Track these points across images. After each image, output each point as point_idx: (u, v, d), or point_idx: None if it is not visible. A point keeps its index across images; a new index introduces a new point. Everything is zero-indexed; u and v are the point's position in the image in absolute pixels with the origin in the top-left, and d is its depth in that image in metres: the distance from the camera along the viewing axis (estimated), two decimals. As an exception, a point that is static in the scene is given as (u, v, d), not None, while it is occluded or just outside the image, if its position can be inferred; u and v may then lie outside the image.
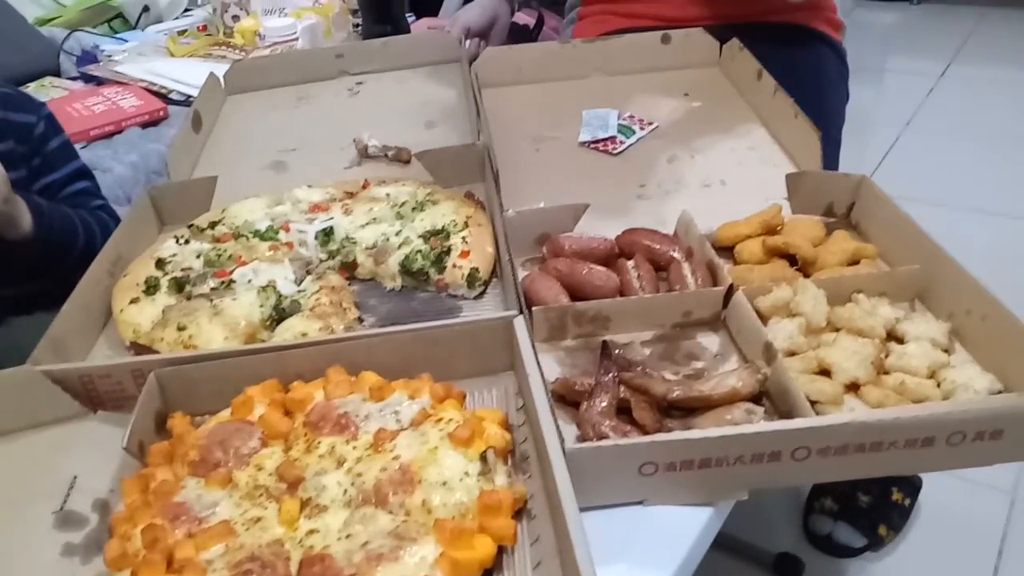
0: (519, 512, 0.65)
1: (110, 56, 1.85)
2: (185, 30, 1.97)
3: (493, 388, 0.78)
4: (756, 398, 0.73)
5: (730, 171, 1.08)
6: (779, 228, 0.93)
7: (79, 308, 0.86)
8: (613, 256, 0.92)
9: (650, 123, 1.19)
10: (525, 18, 1.91)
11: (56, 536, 0.65)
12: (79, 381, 0.76)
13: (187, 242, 0.98)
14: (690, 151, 1.13)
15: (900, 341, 0.78)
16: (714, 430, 0.65)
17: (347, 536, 0.61)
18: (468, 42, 1.55)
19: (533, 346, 0.74)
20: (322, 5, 2.00)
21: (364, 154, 1.22)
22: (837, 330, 0.80)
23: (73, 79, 1.83)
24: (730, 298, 0.83)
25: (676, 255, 0.90)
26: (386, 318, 0.89)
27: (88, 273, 0.90)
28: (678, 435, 0.65)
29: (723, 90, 1.26)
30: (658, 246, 0.91)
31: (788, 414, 0.71)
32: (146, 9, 2.11)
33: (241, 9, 1.92)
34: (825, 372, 0.76)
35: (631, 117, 1.20)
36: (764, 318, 0.81)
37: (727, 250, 0.94)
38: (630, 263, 0.89)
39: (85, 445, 0.74)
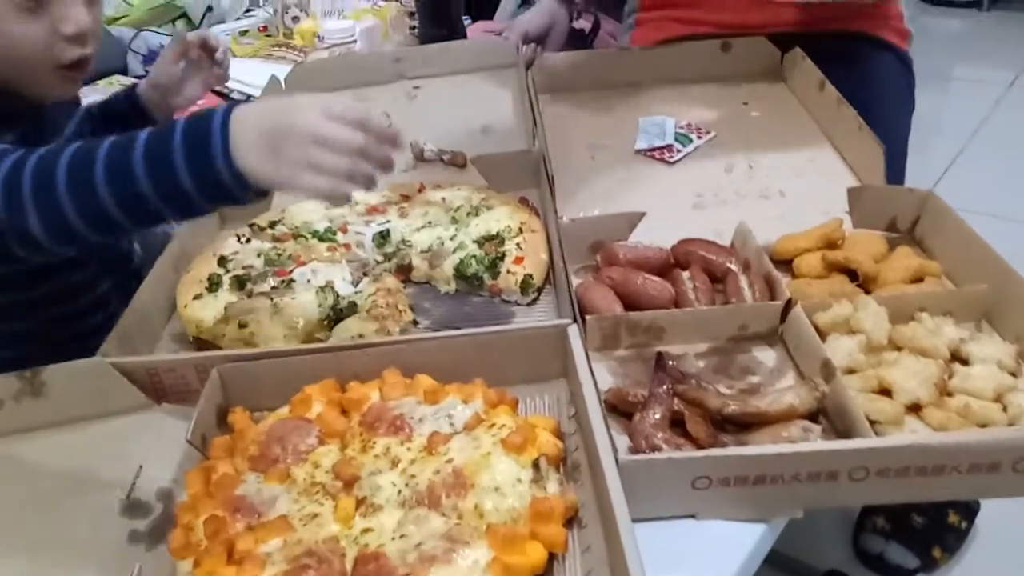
0: (570, 521, 0.65)
1: (175, 56, 1.91)
2: (247, 31, 2.01)
3: (545, 395, 0.79)
4: (813, 416, 0.72)
5: (789, 183, 1.07)
6: (839, 242, 0.92)
7: (146, 303, 0.89)
8: (668, 266, 0.92)
9: (708, 132, 1.18)
10: (581, 23, 1.91)
11: (123, 523, 0.67)
12: (146, 374, 0.79)
13: (248, 241, 1.01)
14: (748, 161, 1.12)
15: (965, 362, 0.76)
16: (770, 447, 0.65)
17: (401, 536, 0.62)
18: (525, 47, 1.55)
19: (587, 355, 0.74)
20: (380, 7, 2.02)
21: (420, 158, 1.23)
22: (899, 349, 0.78)
23: (139, 78, 1.89)
24: (788, 313, 0.83)
25: (733, 267, 0.89)
26: (440, 321, 0.90)
27: (154, 268, 0.93)
28: (733, 450, 0.65)
29: (783, 100, 1.25)
30: (714, 257, 0.91)
31: (846, 433, 0.70)
32: (209, 9, 2.16)
33: (301, 11, 1.95)
34: (885, 392, 0.75)
35: (689, 125, 1.19)
36: (823, 334, 0.80)
37: (785, 263, 0.92)
38: (685, 274, 0.89)
39: (150, 435, 0.76)
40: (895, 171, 1.12)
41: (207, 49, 1.07)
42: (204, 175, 0.66)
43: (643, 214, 0.96)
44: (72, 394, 0.78)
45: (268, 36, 1.95)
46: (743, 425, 0.72)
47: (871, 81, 1.29)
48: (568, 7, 1.58)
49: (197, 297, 0.92)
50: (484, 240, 0.96)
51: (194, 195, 0.67)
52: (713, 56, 1.30)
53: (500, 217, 0.99)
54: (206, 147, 0.65)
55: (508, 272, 0.91)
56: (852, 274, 0.89)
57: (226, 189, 0.66)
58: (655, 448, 0.69)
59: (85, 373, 0.77)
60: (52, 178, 0.68)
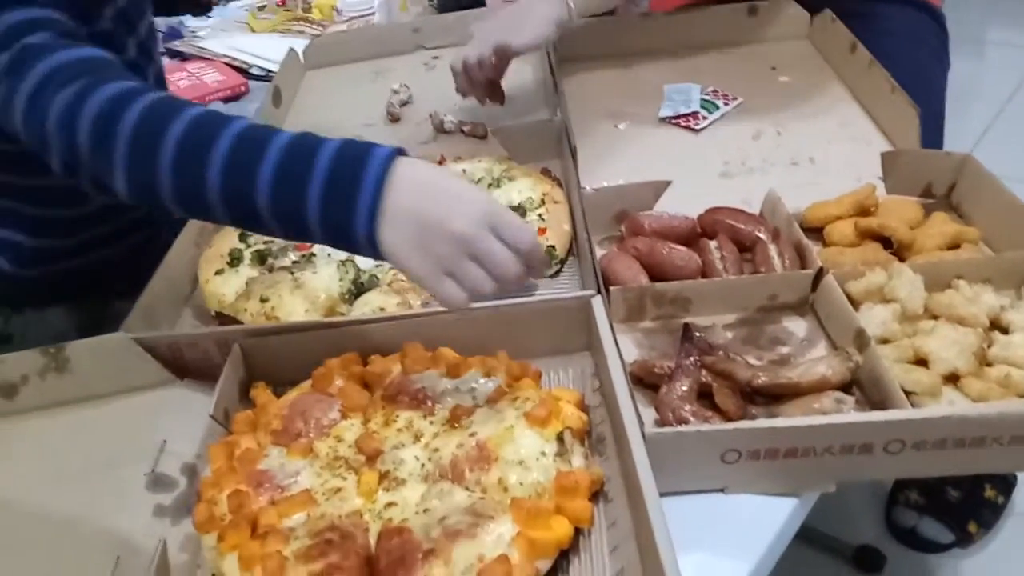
0: (595, 495, 0.64)
1: (194, 32, 1.90)
2: (264, 5, 1.99)
3: (569, 368, 0.77)
4: (846, 387, 0.70)
5: (819, 149, 1.04)
6: (873, 209, 0.89)
7: (168, 278, 0.89)
8: (695, 236, 0.89)
9: (734, 98, 1.15)
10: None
11: (148, 497, 0.67)
12: (168, 349, 0.78)
13: (269, 215, 1.00)
14: (777, 127, 1.09)
15: (1005, 331, 0.73)
16: (802, 419, 0.63)
17: (425, 510, 0.61)
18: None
19: (611, 327, 0.73)
20: (400, -21, 1.99)
21: (440, 129, 1.22)
22: (935, 318, 0.76)
23: (160, 55, 1.88)
24: (819, 282, 0.80)
25: (762, 236, 0.87)
26: (463, 294, 0.89)
27: (176, 243, 0.92)
28: (763, 423, 0.63)
29: (813, 64, 1.21)
30: (743, 226, 0.88)
31: (881, 404, 0.68)
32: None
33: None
34: (922, 362, 0.72)
35: (715, 92, 1.16)
36: (856, 304, 0.78)
37: (816, 231, 0.90)
38: (712, 243, 0.87)
39: (173, 411, 0.76)
40: (931, 134, 1.08)
41: None
42: (336, 224, 0.59)
43: (668, 183, 0.93)
44: (95, 369, 0.78)
45: (287, 11, 1.93)
46: (773, 397, 0.71)
47: (903, 41, 1.25)
48: None
49: (219, 272, 0.91)
50: (506, 211, 0.94)
51: (314, 232, 0.60)
52: (739, 20, 1.27)
53: (522, 188, 0.97)
54: (350, 200, 0.58)
55: (531, 244, 0.89)
56: (886, 242, 0.86)
57: (352, 245, 0.60)
58: (682, 421, 0.67)
59: (108, 349, 0.77)
60: (157, 147, 0.60)
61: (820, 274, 0.80)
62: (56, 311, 0.78)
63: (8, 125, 0.67)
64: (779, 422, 0.62)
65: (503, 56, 1.04)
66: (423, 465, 0.65)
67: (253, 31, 1.86)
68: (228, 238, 0.97)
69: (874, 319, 0.76)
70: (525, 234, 0.60)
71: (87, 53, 0.66)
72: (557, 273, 0.89)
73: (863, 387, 0.71)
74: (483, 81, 1.07)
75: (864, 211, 0.89)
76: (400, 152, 0.61)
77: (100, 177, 0.63)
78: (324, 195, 0.59)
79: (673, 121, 1.12)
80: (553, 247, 0.88)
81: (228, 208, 0.62)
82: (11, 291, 0.90)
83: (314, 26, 1.82)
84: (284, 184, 0.59)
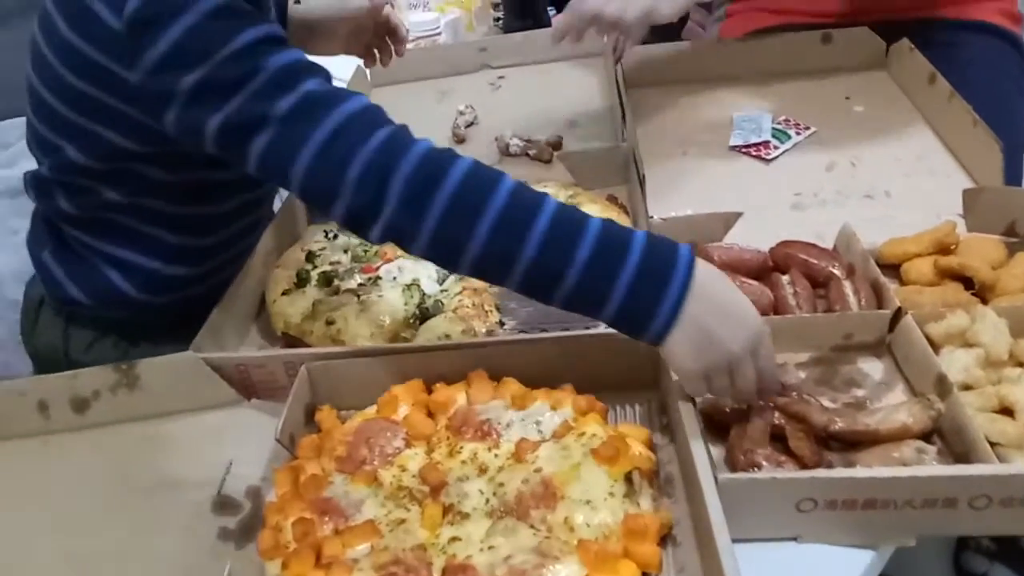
0: (663, 538, 0.63)
1: (264, 49, 1.95)
2: (333, 24, 2.04)
3: (636, 403, 0.76)
4: (926, 436, 0.68)
5: (896, 182, 1.01)
6: (953, 248, 0.86)
7: (237, 297, 0.90)
8: (766, 269, 0.87)
9: (807, 128, 1.12)
10: (669, 12, 1.86)
11: (213, 520, 0.68)
12: (236, 370, 0.79)
13: (335, 237, 1.01)
14: (851, 159, 1.06)
15: (1099, 382, 0.70)
16: (882, 470, 0.60)
17: (489, 548, 0.60)
18: (606, 36, 1.51)
19: (682, 364, 0.71)
20: None
21: (505, 152, 1.22)
22: (1021, 365, 0.73)
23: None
24: (897, 322, 0.77)
25: (836, 272, 0.84)
26: (526, 322, 0.88)
27: (247, 262, 0.94)
28: (842, 472, 0.61)
29: (889, 94, 1.18)
30: (816, 261, 0.86)
31: (964, 456, 0.65)
32: (296, 2, 2.20)
33: (387, 3, 1.96)
34: (1007, 411, 0.69)
35: (786, 121, 1.14)
36: (936, 347, 0.75)
37: (892, 268, 0.87)
38: (785, 278, 0.84)
39: (240, 431, 0.77)
40: (1014, 168, 1.04)
41: (387, 25, 1.09)
42: (634, 316, 0.63)
43: (739, 214, 0.92)
44: (165, 387, 0.79)
45: (353, 29, 1.96)
46: (849, 443, 0.68)
47: (984, 71, 1.21)
48: None
49: (286, 292, 0.92)
50: (572, 239, 0.93)
51: (604, 315, 0.63)
52: (812, 48, 1.24)
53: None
54: (655, 300, 0.61)
55: (597, 273, 0.88)
56: (967, 282, 0.83)
57: (637, 333, 0.64)
58: (755, 465, 0.65)
59: (177, 367, 0.79)
60: (476, 216, 0.62)
61: (898, 314, 0.77)
62: (170, 347, 0.81)
63: (267, 163, 0.67)
64: (858, 472, 0.60)
65: (646, 22, 1.03)
66: (488, 500, 0.65)
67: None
68: (295, 258, 0.98)
69: (956, 364, 0.73)
70: (773, 364, 0.67)
71: (365, 102, 0.68)
72: (623, 304, 0.88)
73: (944, 436, 0.68)
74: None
75: (944, 249, 0.86)
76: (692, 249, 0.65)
77: (397, 231, 0.65)
78: (630, 290, 0.62)
79: (743, 150, 1.10)
80: (620, 277, 0.87)
81: (528, 281, 0.64)
82: (133, 321, 0.93)
83: (380, 45, 1.85)
84: (596, 271, 0.62)
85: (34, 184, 0.92)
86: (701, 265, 0.63)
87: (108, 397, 0.79)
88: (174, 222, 0.89)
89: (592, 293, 0.63)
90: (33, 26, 0.82)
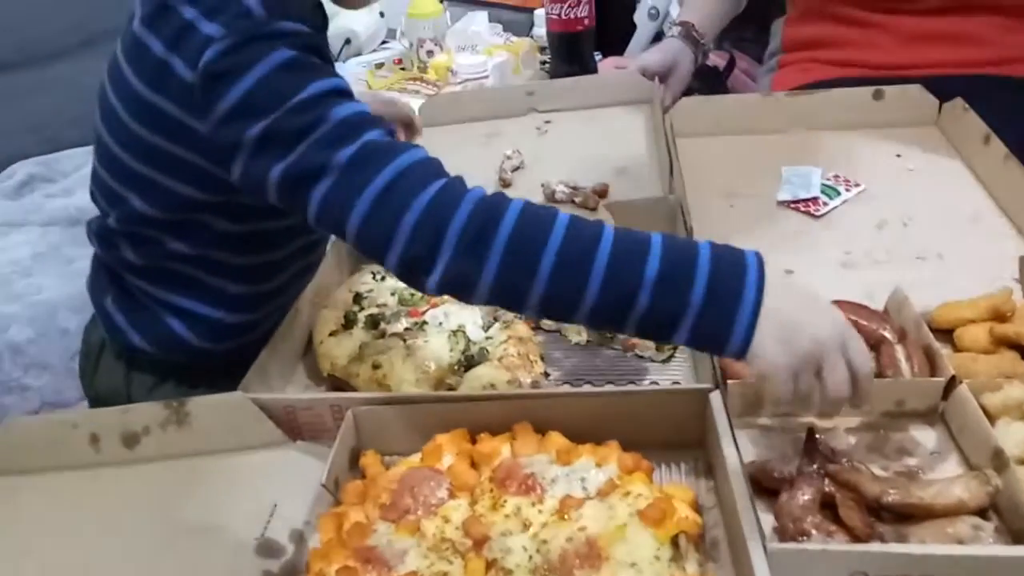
0: (709, 605, 0.62)
1: (315, 87, 1.99)
2: (382, 63, 2.08)
3: (681, 462, 0.75)
4: (982, 511, 0.66)
5: (949, 244, 0.99)
6: (1010, 315, 0.84)
7: (285, 336, 0.91)
8: (815, 329, 0.86)
9: (857, 184, 1.12)
10: (715, 60, 1.87)
11: (257, 562, 0.68)
12: (283, 411, 0.80)
13: (383, 279, 1.02)
14: (902, 218, 1.05)
15: None
16: (940, 547, 0.59)
17: (532, 607, 0.60)
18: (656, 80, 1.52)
19: (731, 425, 0.71)
20: (513, 43, 2.04)
21: (551, 199, 1.22)
22: (1082, 441, 0.71)
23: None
24: (951, 391, 0.76)
25: (888, 335, 0.83)
26: (571, 373, 0.88)
27: (297, 301, 0.95)
28: (897, 547, 0.59)
29: (941, 152, 1.17)
30: (867, 323, 0.85)
31: (1021, 534, 0.63)
32: (347, 42, 2.25)
33: (436, 45, 2.00)
34: (1067, 490, 0.67)
35: (836, 177, 1.13)
36: (992, 418, 0.73)
37: (944, 333, 0.85)
38: (835, 340, 0.83)
39: (285, 473, 0.77)
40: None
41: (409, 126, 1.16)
42: (712, 332, 0.62)
43: (789, 272, 0.91)
44: (213, 426, 0.80)
45: (403, 69, 2.00)
46: (902, 515, 0.66)
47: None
48: (695, 48, 1.54)
49: (333, 334, 0.93)
50: (618, 291, 0.93)
51: (678, 336, 0.62)
52: (863, 103, 1.24)
53: (635, 267, 0.96)
54: (732, 311, 0.60)
55: (643, 327, 0.88)
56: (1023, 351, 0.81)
57: (718, 349, 0.63)
58: (804, 533, 0.64)
59: (227, 406, 0.80)
60: (536, 257, 0.62)
61: (952, 383, 0.76)
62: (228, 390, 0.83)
63: (325, 211, 0.68)
64: (914, 548, 0.59)
65: None
66: (531, 556, 0.64)
67: (371, 88, 1.93)
68: (343, 299, 0.99)
69: (1013, 438, 0.71)
70: (867, 360, 0.63)
71: (423, 154, 0.69)
72: (669, 359, 0.88)
73: (1001, 513, 0.66)
74: None
75: (1000, 316, 0.84)
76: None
77: (456, 280, 0.65)
78: (704, 305, 0.61)
79: (792, 205, 1.10)
80: (667, 332, 0.87)
81: (594, 316, 0.64)
82: (193, 366, 0.96)
83: (429, 86, 1.88)
84: (664, 295, 0.61)
85: (98, 233, 0.94)
86: (770, 267, 0.62)
87: (158, 433, 0.80)
88: (236, 272, 0.92)
89: (659, 321, 0.62)
90: (102, 74, 0.85)
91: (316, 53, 0.73)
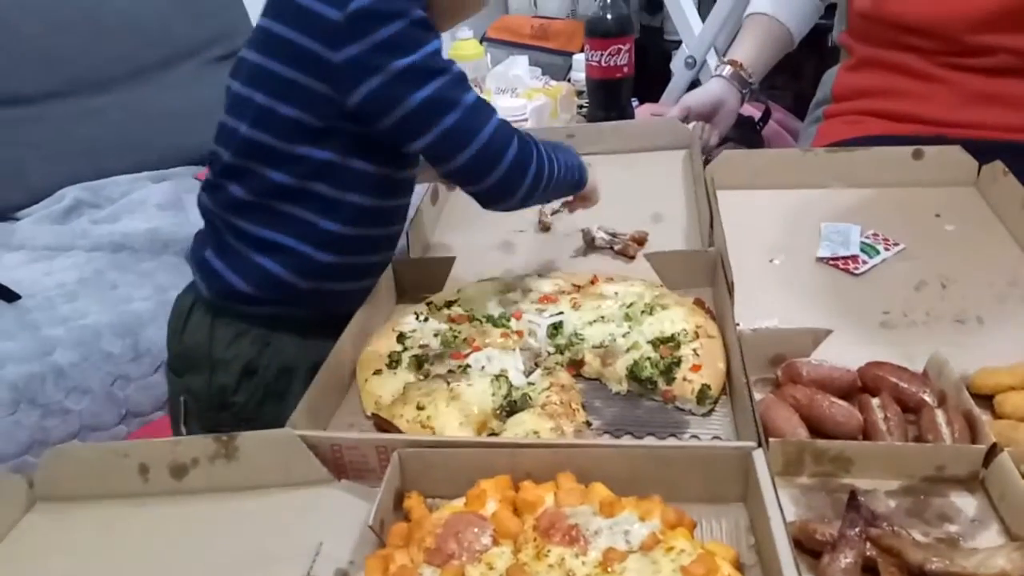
0: (752, 667, 0.62)
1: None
2: (423, 103, 2.13)
3: (722, 518, 0.76)
4: (1026, 582, 0.66)
5: (988, 308, 1.00)
6: (1051, 383, 0.85)
7: (330, 373, 0.93)
8: (855, 389, 0.87)
9: (896, 244, 1.13)
10: (751, 110, 1.90)
11: (302, 602, 0.69)
12: (329, 449, 0.82)
13: (426, 319, 1.04)
14: (941, 279, 1.06)
15: None
16: (985, 620, 0.59)
17: (577, 661, 0.60)
18: (692, 125, 1.55)
19: (774, 484, 0.71)
20: (551, 87, 2.08)
21: (590, 245, 1.25)
22: None
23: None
24: (992, 458, 0.76)
25: (927, 399, 0.84)
26: (611, 423, 0.89)
27: (341, 339, 0.97)
28: (942, 618, 0.59)
29: (980, 214, 1.18)
30: (907, 386, 0.85)
31: (1065, 609, 0.63)
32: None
33: (476, 87, 2.04)
34: (1112, 565, 0.67)
35: (875, 235, 1.14)
36: (1034, 488, 0.73)
37: (984, 398, 0.86)
38: (875, 401, 0.84)
39: (329, 512, 0.79)
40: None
41: None
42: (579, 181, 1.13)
43: (829, 332, 0.92)
44: (261, 461, 0.82)
45: (445, 110, 2.04)
46: (944, 583, 0.67)
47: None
48: (741, 87, 1.56)
49: (377, 373, 0.95)
50: (659, 342, 0.94)
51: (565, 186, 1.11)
52: (903, 162, 1.26)
53: (675, 318, 0.98)
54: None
55: (684, 380, 0.89)
56: (1066, 420, 0.82)
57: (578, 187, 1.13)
58: (846, 598, 0.64)
59: (275, 442, 0.81)
60: (540, 174, 1.02)
61: (993, 450, 0.76)
62: (301, 342, 1.03)
63: (448, 138, 0.96)
64: (959, 620, 0.59)
65: None
66: (575, 608, 0.65)
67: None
68: (386, 338, 1.01)
69: (1056, 509, 0.71)
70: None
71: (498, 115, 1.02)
72: (710, 412, 0.89)
73: (1044, 584, 0.67)
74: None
75: (1042, 384, 0.85)
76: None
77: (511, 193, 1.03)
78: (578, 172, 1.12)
79: (831, 262, 1.11)
80: (708, 386, 0.88)
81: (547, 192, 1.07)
82: (275, 312, 1.08)
83: (469, 128, 1.92)
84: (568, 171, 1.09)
85: (208, 188, 1.08)
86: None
87: (206, 465, 0.82)
88: (326, 207, 1.03)
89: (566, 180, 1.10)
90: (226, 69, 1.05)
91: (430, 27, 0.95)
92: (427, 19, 0.93)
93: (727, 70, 1.57)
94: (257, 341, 1.08)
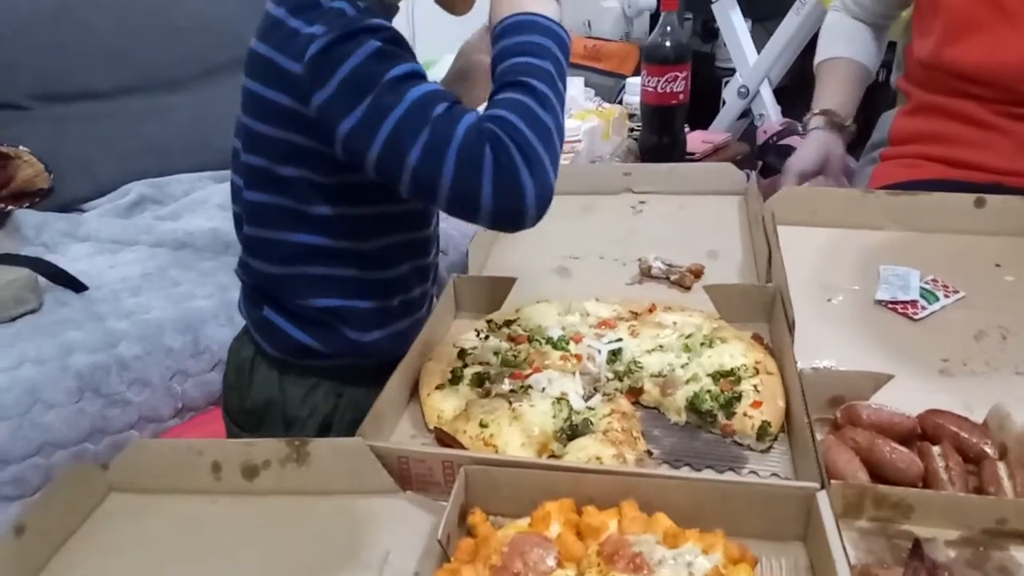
0: None
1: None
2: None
3: (782, 557, 0.77)
4: (1088, 643, 0.66)
5: (1049, 361, 1.00)
6: (1115, 443, 0.85)
7: (396, 385, 0.95)
8: (914, 436, 0.88)
9: (955, 291, 1.13)
10: (798, 142, 1.91)
11: (371, 610, 0.71)
12: (396, 460, 0.84)
13: (487, 338, 1.06)
14: (1001, 330, 1.06)
15: None
16: (1050, 678, 0.60)
17: None
18: (748, 172, 1.56)
19: (838, 527, 0.72)
20: (604, 109, 2.11)
21: (647, 274, 1.26)
22: None
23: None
24: (1054, 514, 0.77)
25: (989, 451, 0.84)
26: (670, 453, 0.90)
27: (409, 351, 0.99)
28: (1008, 673, 0.60)
29: (1041, 269, 1.18)
30: (967, 436, 0.86)
31: None
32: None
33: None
34: None
35: (935, 281, 1.15)
36: (1097, 548, 0.74)
37: (1045, 453, 0.86)
38: (936, 449, 0.85)
39: (396, 522, 0.81)
40: None
41: None
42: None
43: (891, 377, 0.93)
44: (331, 468, 0.84)
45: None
46: (1005, 638, 0.67)
47: None
48: (840, 133, 1.57)
49: (439, 387, 0.97)
50: (719, 375, 0.96)
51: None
52: (964, 209, 1.26)
53: (734, 353, 0.99)
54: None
55: (745, 415, 0.90)
56: None
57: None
58: (908, 645, 0.65)
59: (346, 450, 0.84)
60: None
61: (1055, 506, 0.77)
62: (370, 391, 0.96)
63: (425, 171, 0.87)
64: (1025, 676, 0.60)
65: None
66: (639, 636, 0.66)
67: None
68: (447, 353, 1.04)
69: (1119, 570, 0.72)
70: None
71: (474, 117, 0.89)
72: (768, 449, 0.90)
73: (1106, 646, 0.67)
74: None
75: (1104, 443, 0.85)
76: None
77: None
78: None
79: (890, 305, 1.11)
80: (768, 423, 0.89)
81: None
82: (342, 365, 1.09)
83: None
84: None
85: (241, 265, 1.10)
86: None
87: (277, 468, 0.85)
88: (350, 258, 1.04)
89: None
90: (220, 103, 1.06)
91: (398, 44, 0.89)
92: (384, 48, 0.86)
93: (821, 121, 1.58)
94: (330, 394, 1.08)
